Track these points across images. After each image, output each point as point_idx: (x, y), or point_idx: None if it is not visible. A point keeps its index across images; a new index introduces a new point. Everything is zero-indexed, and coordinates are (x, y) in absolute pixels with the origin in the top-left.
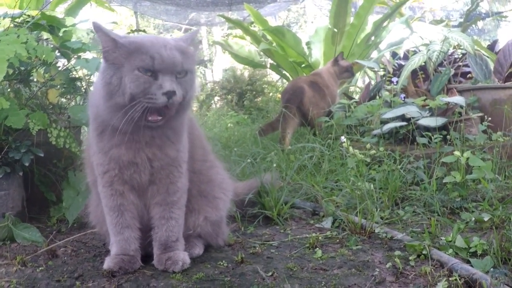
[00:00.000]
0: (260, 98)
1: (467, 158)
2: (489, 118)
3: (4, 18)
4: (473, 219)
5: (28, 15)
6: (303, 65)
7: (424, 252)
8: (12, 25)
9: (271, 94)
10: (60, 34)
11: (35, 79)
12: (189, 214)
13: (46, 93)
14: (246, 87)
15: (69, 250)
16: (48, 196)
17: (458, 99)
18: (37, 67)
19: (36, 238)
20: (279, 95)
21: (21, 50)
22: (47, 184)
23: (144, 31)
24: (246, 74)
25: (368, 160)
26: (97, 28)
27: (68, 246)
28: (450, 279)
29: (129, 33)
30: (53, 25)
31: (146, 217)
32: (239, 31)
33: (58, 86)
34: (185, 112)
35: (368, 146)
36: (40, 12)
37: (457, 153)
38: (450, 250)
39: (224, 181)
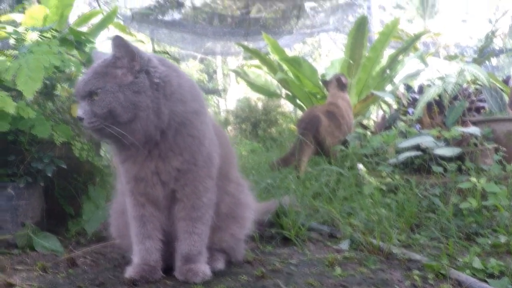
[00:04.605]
0: (274, 128)
1: (484, 184)
2: (504, 149)
3: (32, 31)
4: (489, 242)
5: (56, 30)
6: (318, 96)
7: (442, 271)
8: (39, 39)
9: (284, 125)
10: (87, 50)
11: (58, 94)
12: (216, 230)
13: (69, 107)
14: (260, 117)
15: (88, 260)
16: (67, 209)
17: (473, 129)
18: (61, 82)
19: (56, 247)
20: (293, 126)
21: (55, 61)
22: (66, 197)
23: (166, 52)
24: (260, 104)
25: (384, 188)
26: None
27: (87, 257)
28: None
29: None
30: (80, 41)
31: (170, 230)
32: (254, 61)
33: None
34: (142, 122)
35: (384, 174)
36: (68, 27)
37: (473, 179)
38: (467, 271)
39: (251, 202)
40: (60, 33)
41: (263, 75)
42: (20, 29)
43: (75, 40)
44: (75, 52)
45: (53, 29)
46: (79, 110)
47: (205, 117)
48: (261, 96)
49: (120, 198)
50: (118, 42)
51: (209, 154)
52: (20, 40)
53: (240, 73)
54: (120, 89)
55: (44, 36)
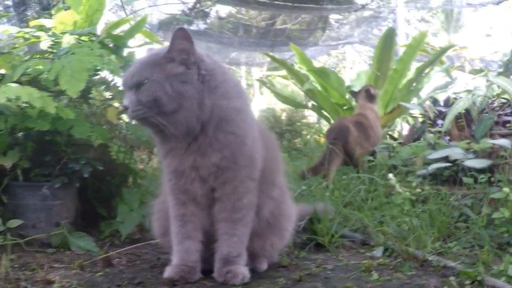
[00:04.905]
0: (299, 139)
1: None
2: None
3: (71, 34)
4: None
5: (94, 34)
6: (345, 107)
7: (478, 278)
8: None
9: (309, 136)
10: (124, 55)
11: (94, 97)
12: (258, 237)
13: (105, 111)
14: (285, 128)
15: (124, 261)
16: (100, 211)
17: (503, 141)
18: (96, 86)
19: (91, 247)
20: (317, 137)
21: (98, 62)
22: (100, 199)
23: None
24: (284, 115)
25: (414, 198)
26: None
27: (122, 257)
28: None
29: None
30: (118, 45)
31: (210, 230)
32: (279, 72)
33: (118, 105)
34: (186, 113)
35: (414, 184)
36: (105, 31)
37: (506, 189)
38: (503, 278)
39: (292, 214)
40: (97, 37)
41: (289, 86)
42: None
43: (113, 45)
44: (112, 56)
45: (91, 33)
46: (125, 99)
47: (248, 117)
48: (285, 107)
49: (164, 197)
50: (181, 34)
51: (251, 154)
52: (57, 43)
53: (266, 83)
54: (168, 79)
55: (81, 40)
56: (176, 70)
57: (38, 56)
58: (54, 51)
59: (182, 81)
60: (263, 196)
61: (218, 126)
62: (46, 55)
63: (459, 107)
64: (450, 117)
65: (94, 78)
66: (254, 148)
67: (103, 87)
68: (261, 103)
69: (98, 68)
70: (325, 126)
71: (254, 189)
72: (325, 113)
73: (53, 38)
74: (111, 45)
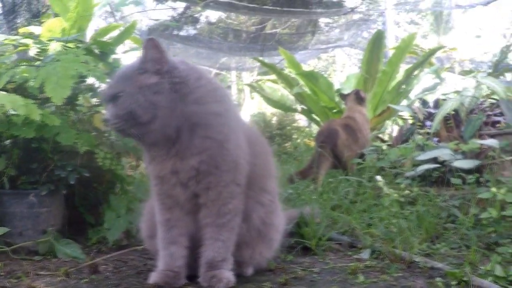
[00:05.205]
0: (289, 143)
1: (505, 194)
2: None
3: (57, 41)
4: (510, 251)
5: (80, 41)
6: (334, 110)
7: (465, 279)
8: (64, 49)
9: (299, 139)
10: (110, 61)
11: (81, 104)
12: (247, 246)
13: (92, 117)
14: (275, 132)
15: (110, 267)
16: (87, 218)
17: (491, 141)
18: (83, 92)
19: (78, 254)
20: (307, 140)
21: (83, 69)
22: (87, 206)
23: None
24: (275, 119)
25: (402, 200)
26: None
27: (109, 264)
28: None
29: None
30: (105, 52)
31: (196, 236)
32: (269, 76)
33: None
34: (161, 122)
35: (402, 186)
36: (92, 38)
37: (494, 189)
38: (490, 278)
39: (281, 225)
40: (83, 44)
41: (279, 90)
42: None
43: (99, 51)
44: (98, 63)
45: (76, 40)
46: (106, 112)
47: (230, 121)
48: (276, 111)
49: (152, 200)
50: (150, 44)
51: (233, 159)
52: (43, 50)
53: (256, 88)
54: (141, 90)
55: (68, 47)
56: (149, 80)
57: (24, 63)
58: (42, 58)
59: (154, 92)
60: (252, 201)
61: (193, 131)
62: (33, 62)
63: (447, 108)
64: (438, 118)
65: (81, 85)
66: (237, 153)
67: (90, 93)
68: (251, 107)
69: (84, 74)
70: (315, 129)
71: (239, 195)
72: (314, 116)
73: (39, 46)
74: (97, 51)
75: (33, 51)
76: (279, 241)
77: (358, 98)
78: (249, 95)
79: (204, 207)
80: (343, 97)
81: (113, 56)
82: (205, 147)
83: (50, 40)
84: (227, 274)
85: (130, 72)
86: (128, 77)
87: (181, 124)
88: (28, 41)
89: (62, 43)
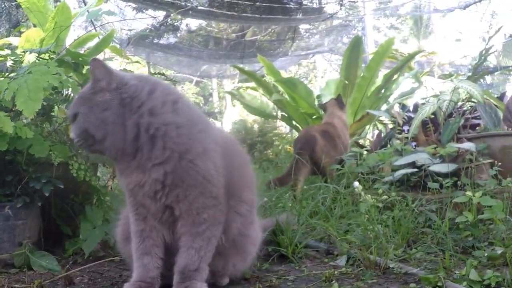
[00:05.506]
0: (270, 150)
1: (480, 197)
2: (499, 163)
3: (30, 53)
4: (486, 255)
5: (53, 52)
6: (314, 117)
7: (439, 284)
8: (37, 61)
9: (280, 146)
10: (84, 72)
11: (56, 115)
12: (218, 256)
13: (67, 128)
14: (256, 139)
15: (86, 279)
16: (64, 229)
17: (468, 145)
18: (58, 103)
19: (53, 266)
20: (289, 147)
21: (54, 81)
22: (64, 217)
23: (163, 74)
24: (256, 126)
25: (380, 205)
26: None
27: (84, 275)
28: None
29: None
30: (78, 62)
31: (172, 246)
32: (250, 83)
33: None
34: (112, 137)
35: (380, 191)
36: (65, 49)
37: (469, 193)
38: (464, 283)
39: (258, 238)
40: (57, 55)
41: (259, 97)
42: (18, 52)
43: (73, 62)
44: (72, 74)
45: (50, 51)
46: (71, 131)
47: (194, 132)
48: (257, 118)
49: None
50: (95, 64)
51: (200, 171)
52: (18, 62)
53: (236, 95)
54: (91, 109)
55: (41, 58)
56: (98, 99)
57: None
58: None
59: (103, 109)
60: (231, 211)
61: (153, 143)
62: (8, 74)
63: (424, 112)
64: (416, 122)
65: (56, 96)
66: (206, 164)
67: (65, 104)
68: (233, 115)
69: (56, 86)
70: (296, 136)
71: (215, 205)
72: (294, 123)
73: (13, 58)
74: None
75: (9, 62)
76: (255, 253)
77: (340, 103)
78: (230, 102)
79: (180, 218)
80: (322, 106)
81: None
82: (165, 159)
83: (24, 52)
84: (199, 285)
85: (86, 92)
86: (84, 98)
87: (139, 137)
88: (5, 52)
89: (35, 54)
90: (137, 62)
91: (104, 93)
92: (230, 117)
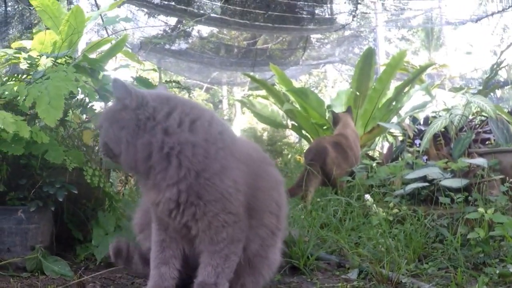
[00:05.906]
0: (280, 159)
1: (492, 214)
2: (511, 180)
3: (47, 57)
4: (497, 272)
5: (70, 57)
6: (324, 127)
7: None
8: (54, 65)
9: (289, 155)
10: (100, 78)
11: (70, 119)
12: (238, 276)
13: (81, 134)
14: (266, 147)
15: (98, 285)
16: (76, 234)
17: (480, 160)
18: (73, 108)
19: (66, 272)
20: (298, 156)
21: (73, 88)
22: (76, 223)
23: (178, 82)
24: (265, 135)
25: (391, 218)
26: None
27: (96, 282)
28: None
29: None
30: (94, 68)
31: (192, 258)
32: (260, 91)
33: (93, 128)
34: (126, 154)
35: (391, 205)
36: (82, 54)
37: (481, 210)
38: None
39: (276, 261)
40: (73, 60)
41: (270, 106)
42: (32, 54)
43: (89, 67)
44: (88, 79)
45: (67, 56)
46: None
47: (211, 151)
48: (267, 127)
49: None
50: (118, 85)
51: (219, 189)
52: (33, 65)
53: (247, 103)
54: (111, 126)
55: (58, 62)
56: (118, 117)
57: (14, 78)
58: (32, 72)
59: (121, 127)
60: (252, 232)
61: (166, 162)
62: (23, 77)
63: (436, 126)
64: (427, 136)
65: (71, 101)
66: (225, 182)
67: (79, 109)
68: (243, 123)
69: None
70: (306, 145)
71: (235, 223)
72: (305, 133)
73: (29, 61)
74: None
75: (24, 66)
76: (268, 278)
77: (350, 114)
78: (240, 110)
79: (197, 236)
80: (335, 115)
81: (104, 73)
82: (180, 178)
83: (40, 56)
84: None
85: (112, 108)
86: (107, 113)
87: (151, 156)
88: (19, 55)
89: (52, 59)
90: (153, 70)
91: (123, 112)
92: (240, 125)
